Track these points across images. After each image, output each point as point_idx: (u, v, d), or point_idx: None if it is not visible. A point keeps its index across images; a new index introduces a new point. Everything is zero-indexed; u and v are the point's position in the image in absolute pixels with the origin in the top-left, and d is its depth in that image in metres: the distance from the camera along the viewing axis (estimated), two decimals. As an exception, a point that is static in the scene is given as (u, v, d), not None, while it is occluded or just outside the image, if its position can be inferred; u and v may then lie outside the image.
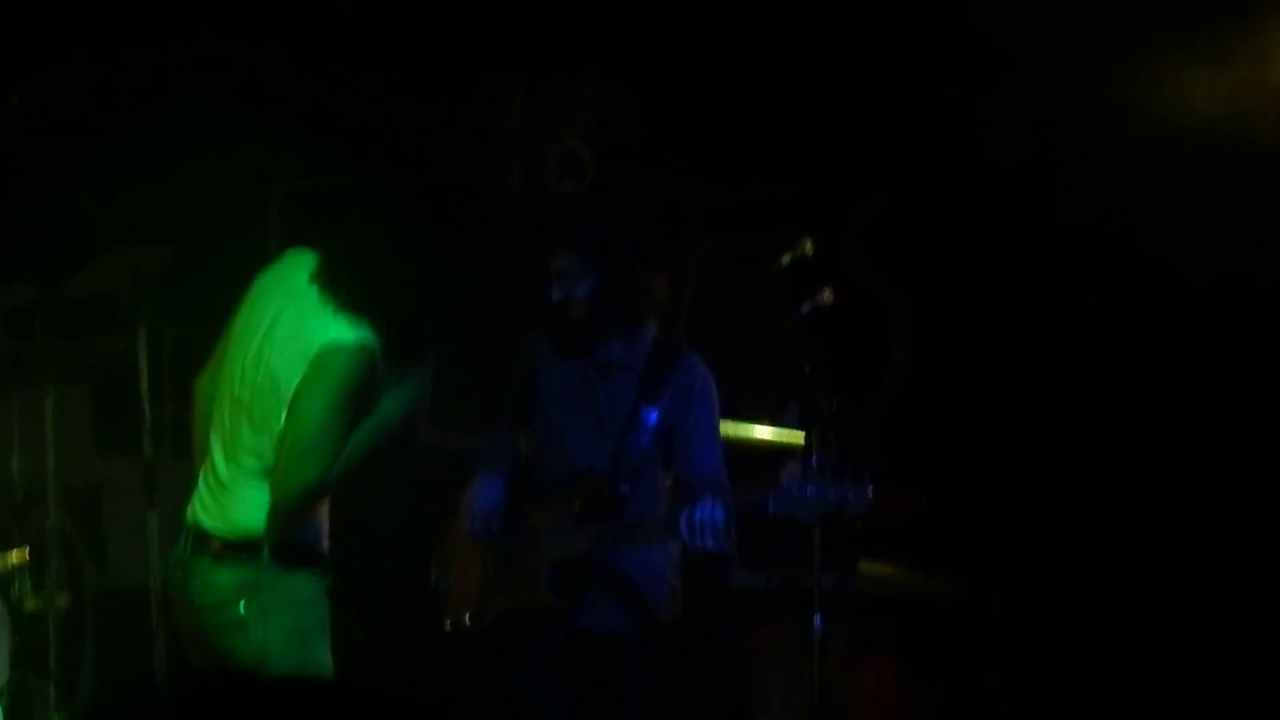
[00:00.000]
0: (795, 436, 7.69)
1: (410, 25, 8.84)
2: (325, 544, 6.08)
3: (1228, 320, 8.32)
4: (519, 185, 9.40)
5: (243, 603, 5.89)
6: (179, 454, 8.17)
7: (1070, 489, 8.96)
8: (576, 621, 6.65)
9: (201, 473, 6.08)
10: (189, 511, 6.06)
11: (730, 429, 7.20)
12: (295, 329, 5.83)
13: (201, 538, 5.97)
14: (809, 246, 6.84)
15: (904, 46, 8.88)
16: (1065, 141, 8.93)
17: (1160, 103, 8.24)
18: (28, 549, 7.99)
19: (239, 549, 5.89)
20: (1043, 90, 8.85)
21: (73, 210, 9.03)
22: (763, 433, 7.91)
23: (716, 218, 9.51)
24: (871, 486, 6.11)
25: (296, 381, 5.76)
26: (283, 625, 5.91)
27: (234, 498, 5.92)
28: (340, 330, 5.75)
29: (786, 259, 6.83)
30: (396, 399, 5.98)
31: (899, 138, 9.04)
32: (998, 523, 8.73)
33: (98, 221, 8.94)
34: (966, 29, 8.64)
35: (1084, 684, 8.18)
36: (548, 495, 6.77)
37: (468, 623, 6.76)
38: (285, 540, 5.89)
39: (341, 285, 5.82)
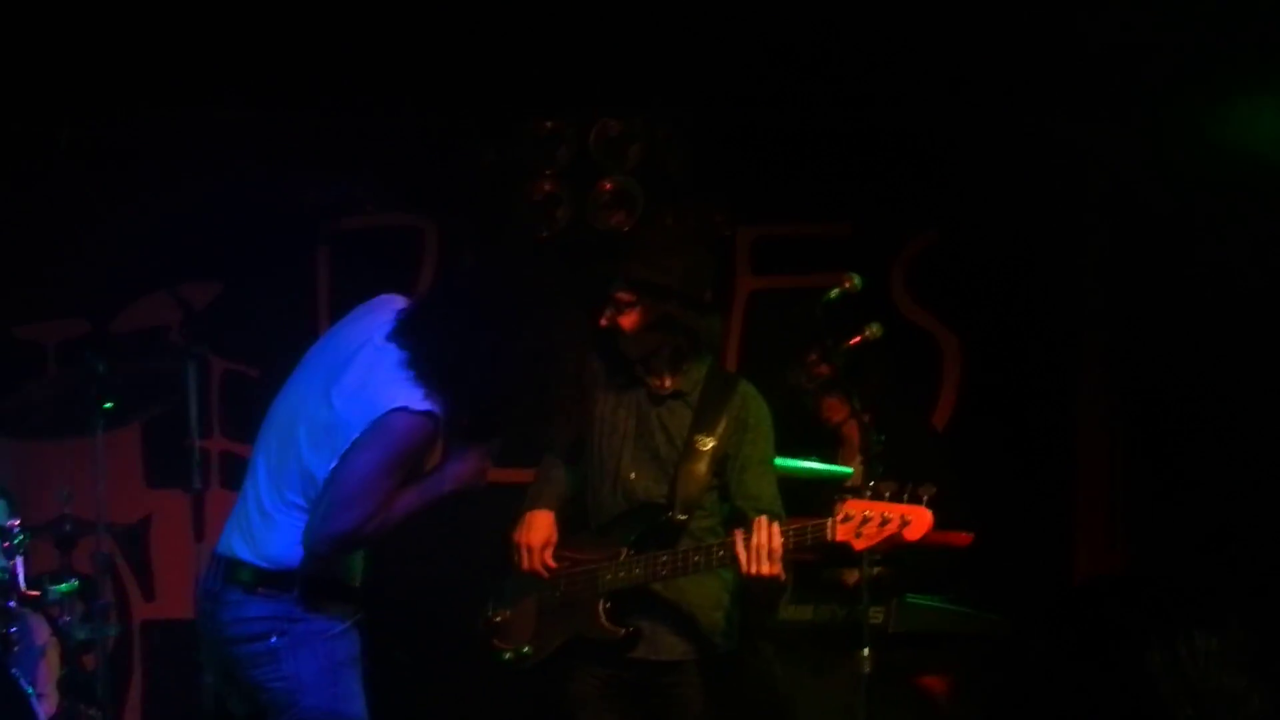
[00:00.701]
0: (843, 471, 7.83)
1: (464, 65, 8.81)
2: (358, 580, 6.07)
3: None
4: (569, 220, 9.42)
5: (274, 635, 5.89)
6: (227, 487, 8.36)
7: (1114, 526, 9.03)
8: (634, 652, 6.61)
9: (241, 500, 6.08)
10: (223, 540, 6.05)
11: (780, 461, 7.11)
12: (366, 381, 5.84)
13: (234, 567, 5.95)
14: (857, 282, 6.86)
15: (950, 87, 8.90)
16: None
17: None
18: (76, 580, 7.98)
19: (272, 581, 5.89)
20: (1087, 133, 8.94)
21: (124, 245, 9.03)
22: (811, 464, 7.89)
23: (765, 255, 9.56)
24: (928, 503, 6.05)
25: (357, 433, 5.76)
26: (313, 661, 5.90)
27: (274, 529, 5.91)
28: (409, 395, 5.74)
29: (835, 294, 6.78)
30: (453, 474, 6.00)
31: (945, 178, 9.10)
32: (1045, 560, 8.79)
33: (148, 258, 8.94)
34: (1008, 71, 8.72)
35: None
36: (605, 525, 6.75)
37: (527, 654, 6.74)
38: (317, 577, 5.89)
39: (422, 355, 5.82)
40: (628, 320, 6.67)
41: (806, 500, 6.93)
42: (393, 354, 5.84)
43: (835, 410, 8.12)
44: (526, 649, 6.72)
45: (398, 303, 6.02)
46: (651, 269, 6.73)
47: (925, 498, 6.06)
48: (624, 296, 6.69)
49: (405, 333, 5.89)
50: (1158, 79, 8.45)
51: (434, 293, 6.21)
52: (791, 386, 8.02)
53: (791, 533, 6.27)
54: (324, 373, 5.98)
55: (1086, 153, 9.08)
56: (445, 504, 6.02)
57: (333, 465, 5.80)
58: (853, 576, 7.15)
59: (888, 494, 6.11)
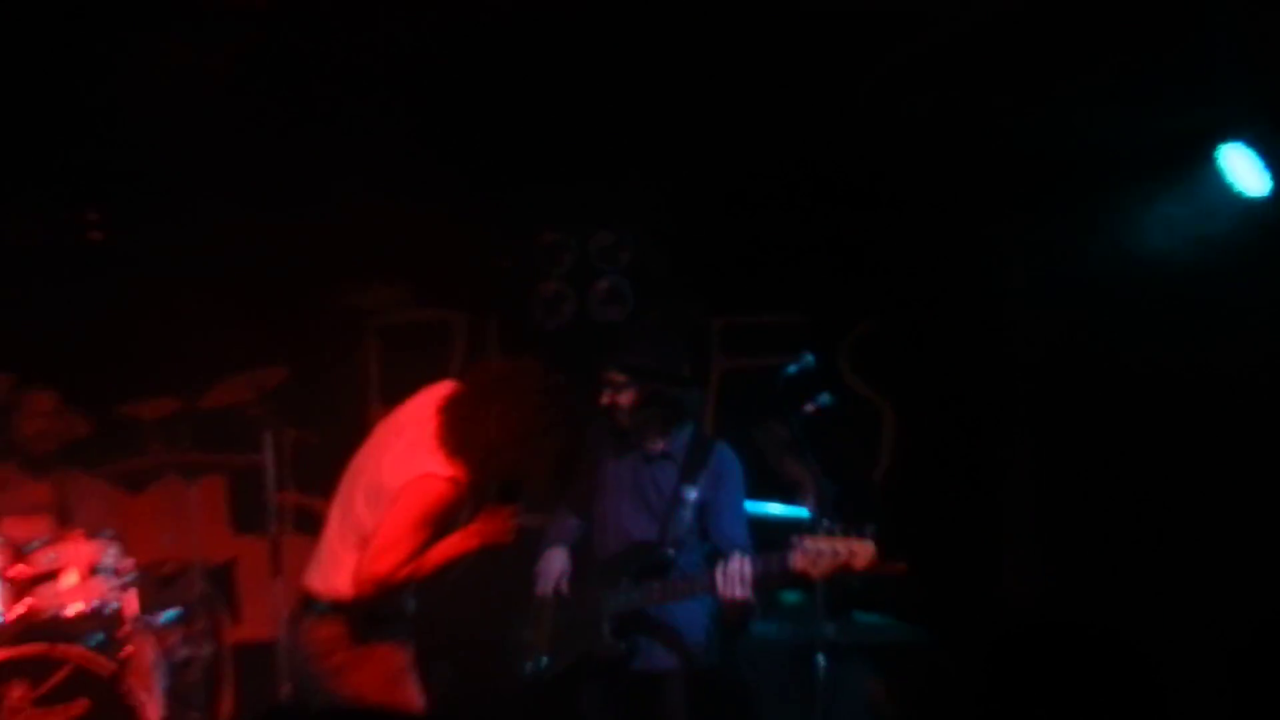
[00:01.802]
0: (800, 513, 7.88)
1: (486, 187, 9.04)
2: (410, 605, 6.34)
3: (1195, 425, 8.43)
4: (572, 314, 9.63)
5: (340, 653, 6.18)
6: (298, 532, 8.56)
7: (1031, 559, 9.11)
8: (631, 664, 6.89)
9: (320, 542, 6.36)
10: (305, 575, 6.35)
11: (750, 505, 7.37)
12: (410, 450, 6.11)
13: (310, 597, 6.27)
14: (810, 359, 7.11)
15: (886, 199, 9.07)
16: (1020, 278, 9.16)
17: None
18: (178, 610, 8.16)
19: (337, 609, 6.18)
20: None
21: (207, 336, 9.13)
22: (775, 509, 8.04)
23: (734, 339, 9.66)
24: (873, 540, 6.29)
25: (399, 492, 6.06)
26: (374, 671, 6.17)
27: (339, 569, 6.19)
28: (437, 463, 6.04)
29: (792, 369, 7.05)
30: (478, 532, 6.25)
31: (886, 272, 9.27)
32: (968, 584, 8.88)
33: (228, 346, 9.08)
34: (935, 181, 8.91)
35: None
36: (608, 562, 7.03)
37: (543, 667, 6.99)
38: (368, 607, 6.14)
39: (449, 429, 6.08)
40: (625, 398, 6.97)
41: (771, 538, 7.07)
42: (430, 429, 6.10)
43: (790, 465, 8.11)
44: (545, 660, 6.97)
45: (446, 388, 6.28)
46: (639, 355, 7.01)
47: (869, 534, 6.31)
48: (618, 378, 6.97)
49: (442, 412, 6.12)
50: (1067, 180, 8.53)
51: (467, 380, 6.37)
52: (757, 446, 8.10)
53: (760, 562, 6.52)
54: (381, 444, 6.28)
55: (1005, 247, 9.19)
56: (475, 553, 6.29)
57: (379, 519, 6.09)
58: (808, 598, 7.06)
59: (838, 530, 6.33)
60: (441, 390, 6.29)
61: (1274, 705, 3.09)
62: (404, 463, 6.09)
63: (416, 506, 6.02)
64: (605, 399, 7.00)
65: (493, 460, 6.07)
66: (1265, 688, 3.10)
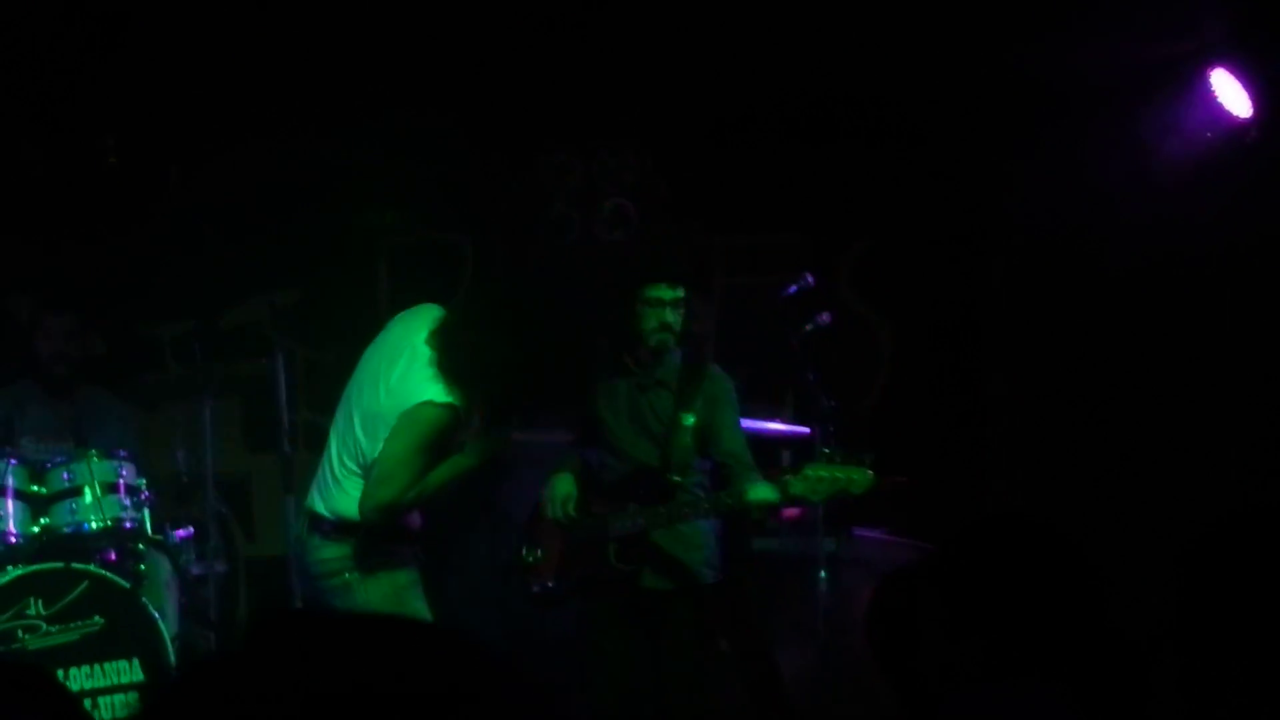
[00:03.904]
0: (800, 430, 7.81)
1: (494, 111, 8.83)
2: (415, 523, 6.20)
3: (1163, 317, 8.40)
4: (578, 235, 9.42)
5: (346, 572, 6.04)
6: (310, 449, 8.28)
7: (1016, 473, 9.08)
8: (638, 583, 6.76)
9: (318, 466, 6.23)
10: (308, 497, 6.22)
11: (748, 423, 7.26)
12: (404, 378, 5.92)
13: (315, 519, 6.12)
14: (810, 279, 7.00)
15: (884, 126, 8.99)
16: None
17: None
18: (192, 526, 8.03)
19: (342, 530, 6.04)
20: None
21: (223, 259, 9.06)
22: (774, 426, 8.00)
23: (735, 259, 9.57)
24: (871, 470, 6.24)
25: (394, 420, 5.88)
26: (380, 588, 6.04)
27: (340, 490, 6.05)
28: (435, 391, 5.84)
29: (792, 290, 7.01)
30: (476, 450, 6.06)
31: (883, 195, 9.14)
32: (961, 498, 8.79)
33: (243, 268, 9.00)
34: (929, 112, 8.81)
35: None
36: (612, 485, 6.88)
37: (551, 587, 6.87)
38: (374, 529, 6.01)
39: (445, 356, 5.90)
40: (674, 317, 6.75)
41: (769, 453, 7.15)
42: (425, 355, 5.90)
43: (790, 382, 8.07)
44: (551, 583, 6.86)
45: (433, 311, 6.09)
46: (685, 270, 6.87)
47: (868, 461, 6.24)
48: (670, 294, 6.73)
49: (436, 337, 5.94)
50: (1060, 108, 8.42)
51: (461, 304, 6.24)
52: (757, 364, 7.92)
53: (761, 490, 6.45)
54: (374, 369, 6.07)
55: (995, 176, 9.10)
56: (476, 473, 6.14)
57: (379, 444, 5.92)
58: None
59: (838, 457, 6.28)
60: (430, 313, 6.10)
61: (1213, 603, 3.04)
62: (400, 390, 5.92)
63: (416, 433, 5.85)
64: (650, 322, 6.75)
65: (488, 385, 5.93)
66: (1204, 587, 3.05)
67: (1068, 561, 3.34)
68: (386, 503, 5.90)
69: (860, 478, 6.23)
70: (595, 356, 7.02)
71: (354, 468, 6.02)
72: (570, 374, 6.43)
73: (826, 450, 6.35)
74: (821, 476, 6.24)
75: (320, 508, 6.11)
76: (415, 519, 6.20)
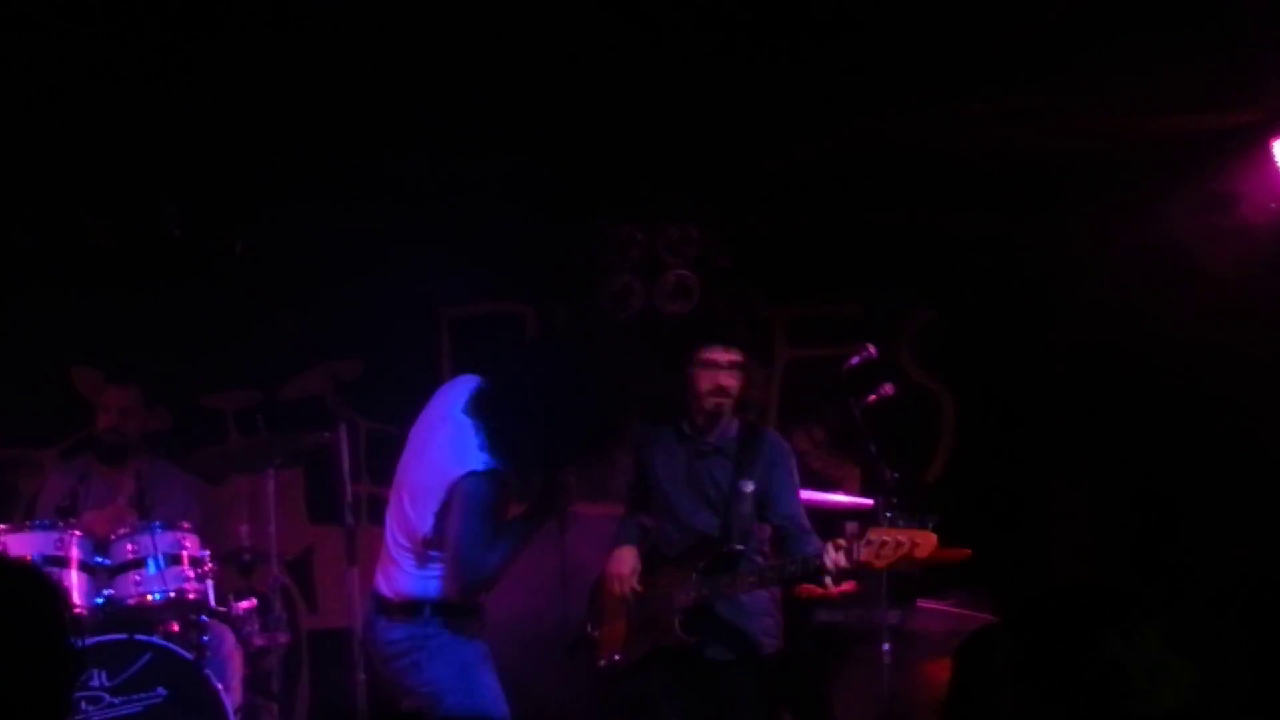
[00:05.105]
0: (863, 502, 7.80)
1: (551, 179, 8.83)
2: (478, 600, 6.16)
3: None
4: (640, 306, 9.30)
5: (415, 651, 6.01)
6: (372, 521, 8.34)
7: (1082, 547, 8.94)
8: (702, 655, 6.69)
9: (382, 548, 6.20)
10: (374, 579, 6.20)
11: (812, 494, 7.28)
12: (446, 449, 5.91)
13: (379, 601, 6.11)
14: (872, 350, 6.97)
15: (944, 199, 8.91)
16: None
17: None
18: (255, 598, 7.98)
19: (407, 609, 6.02)
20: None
21: (286, 330, 8.74)
22: (838, 497, 7.97)
23: (797, 330, 9.50)
24: (933, 528, 6.16)
25: (442, 492, 5.84)
26: (448, 664, 6.01)
27: (399, 570, 6.04)
28: (476, 460, 5.81)
29: (855, 361, 6.97)
30: (537, 511, 6.06)
31: (945, 265, 9.10)
32: (1024, 569, 8.65)
33: (306, 341, 8.77)
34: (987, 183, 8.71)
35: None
36: (676, 558, 6.82)
37: (618, 661, 6.83)
38: (441, 603, 5.99)
39: (485, 423, 5.86)
40: (732, 380, 6.75)
41: (831, 527, 7.06)
42: (467, 425, 5.87)
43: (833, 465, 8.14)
44: (618, 656, 6.84)
45: (472, 382, 6.06)
46: (745, 338, 6.87)
47: (931, 524, 6.18)
48: (728, 357, 6.73)
49: (475, 406, 5.91)
50: (1116, 174, 8.32)
51: (499, 373, 6.11)
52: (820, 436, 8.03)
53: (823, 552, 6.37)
54: (418, 445, 6.09)
55: (1058, 245, 8.96)
56: (545, 528, 6.14)
57: (429, 521, 5.88)
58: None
59: (900, 521, 6.22)
60: (469, 383, 6.07)
61: None
62: (442, 462, 5.90)
63: (468, 507, 5.83)
64: (705, 384, 6.75)
65: (525, 450, 5.89)
66: None
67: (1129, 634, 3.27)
68: (481, 578, 5.93)
69: (924, 541, 6.14)
70: (650, 424, 6.98)
71: (405, 543, 6.01)
72: (611, 439, 6.32)
73: (889, 514, 6.33)
74: (885, 540, 6.17)
75: (384, 589, 6.09)
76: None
